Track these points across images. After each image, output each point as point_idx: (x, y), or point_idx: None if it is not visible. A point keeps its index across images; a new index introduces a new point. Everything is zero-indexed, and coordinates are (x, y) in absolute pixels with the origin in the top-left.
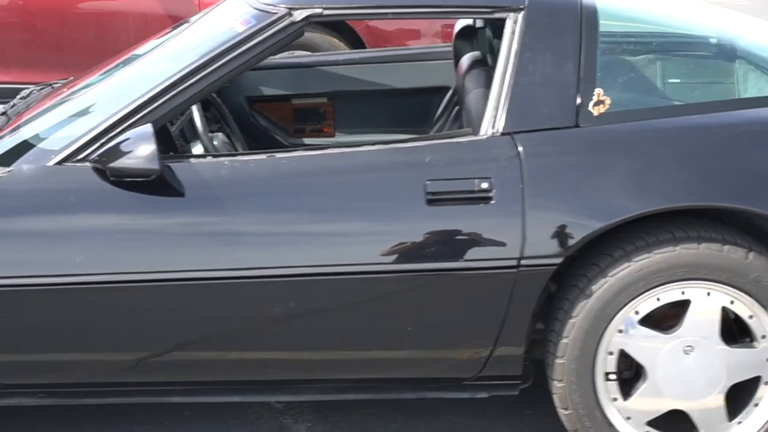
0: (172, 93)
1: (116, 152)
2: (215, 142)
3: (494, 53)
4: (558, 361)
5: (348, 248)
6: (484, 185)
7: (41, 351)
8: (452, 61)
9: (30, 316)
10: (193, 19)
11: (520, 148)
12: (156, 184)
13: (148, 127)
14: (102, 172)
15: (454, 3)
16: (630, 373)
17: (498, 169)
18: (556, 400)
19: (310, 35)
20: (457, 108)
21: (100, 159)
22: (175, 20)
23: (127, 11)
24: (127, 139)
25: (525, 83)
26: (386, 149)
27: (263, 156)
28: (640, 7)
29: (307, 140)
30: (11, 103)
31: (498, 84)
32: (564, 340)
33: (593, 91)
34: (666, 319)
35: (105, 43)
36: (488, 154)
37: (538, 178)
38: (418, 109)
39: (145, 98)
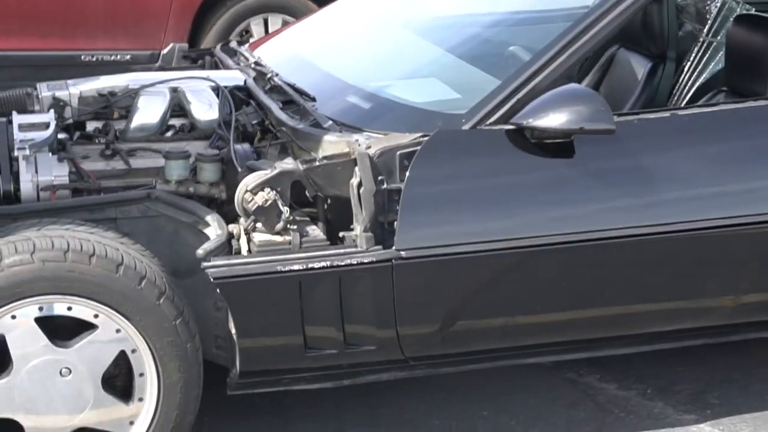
0: (564, 55)
1: (544, 112)
2: None
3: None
4: None
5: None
6: None
7: (464, 318)
8: None
9: (465, 282)
10: None
11: None
12: (572, 145)
13: (580, 87)
14: (519, 133)
15: None
16: None
17: None
18: None
19: None
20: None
21: (533, 123)
22: None
23: None
24: (560, 97)
25: None
26: None
27: (666, 114)
28: None
29: None
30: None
31: None
32: None
33: None
34: None
35: (72, 11)
36: None
37: None
38: None
39: (544, 59)
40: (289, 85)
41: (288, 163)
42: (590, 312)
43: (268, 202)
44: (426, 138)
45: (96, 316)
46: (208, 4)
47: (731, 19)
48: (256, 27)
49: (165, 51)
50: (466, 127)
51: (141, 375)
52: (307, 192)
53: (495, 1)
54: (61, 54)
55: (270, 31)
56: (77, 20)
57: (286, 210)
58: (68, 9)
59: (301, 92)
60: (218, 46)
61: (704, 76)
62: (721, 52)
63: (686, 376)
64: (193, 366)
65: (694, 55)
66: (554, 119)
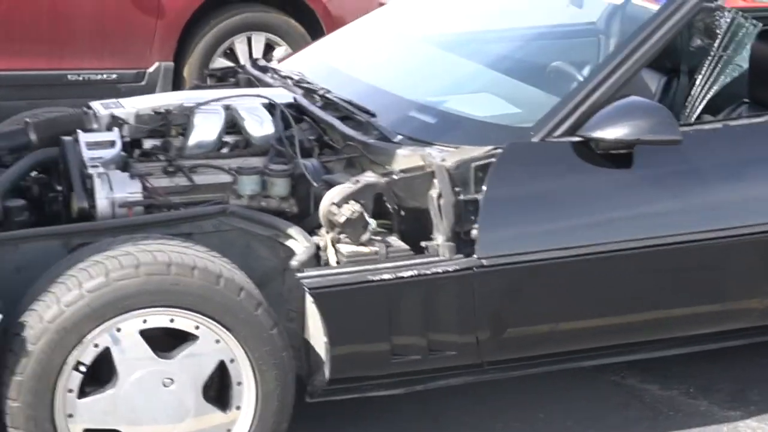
0: (623, 69)
1: (609, 125)
2: None
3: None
4: None
5: None
6: None
7: (537, 323)
8: None
9: (541, 288)
10: None
11: None
12: (636, 155)
13: (643, 99)
14: (585, 144)
15: None
16: None
17: None
18: None
19: (267, 15)
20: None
21: (599, 135)
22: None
23: None
24: (625, 110)
25: None
26: None
27: (719, 125)
28: None
29: None
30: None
31: None
32: None
33: None
34: None
35: (58, 30)
36: None
37: None
38: None
39: (604, 73)
40: (345, 100)
41: (371, 177)
42: (648, 315)
43: (355, 214)
44: (499, 150)
45: (197, 327)
46: (193, 23)
47: (740, 34)
48: (239, 45)
49: (151, 70)
50: (535, 139)
51: (239, 384)
52: (387, 204)
53: (523, 17)
54: (47, 74)
55: (253, 49)
56: (64, 40)
57: (372, 221)
58: (55, 29)
59: (359, 108)
60: (248, 63)
61: (714, 88)
62: (731, 66)
63: (724, 376)
64: (288, 374)
65: (705, 68)
66: (620, 131)
